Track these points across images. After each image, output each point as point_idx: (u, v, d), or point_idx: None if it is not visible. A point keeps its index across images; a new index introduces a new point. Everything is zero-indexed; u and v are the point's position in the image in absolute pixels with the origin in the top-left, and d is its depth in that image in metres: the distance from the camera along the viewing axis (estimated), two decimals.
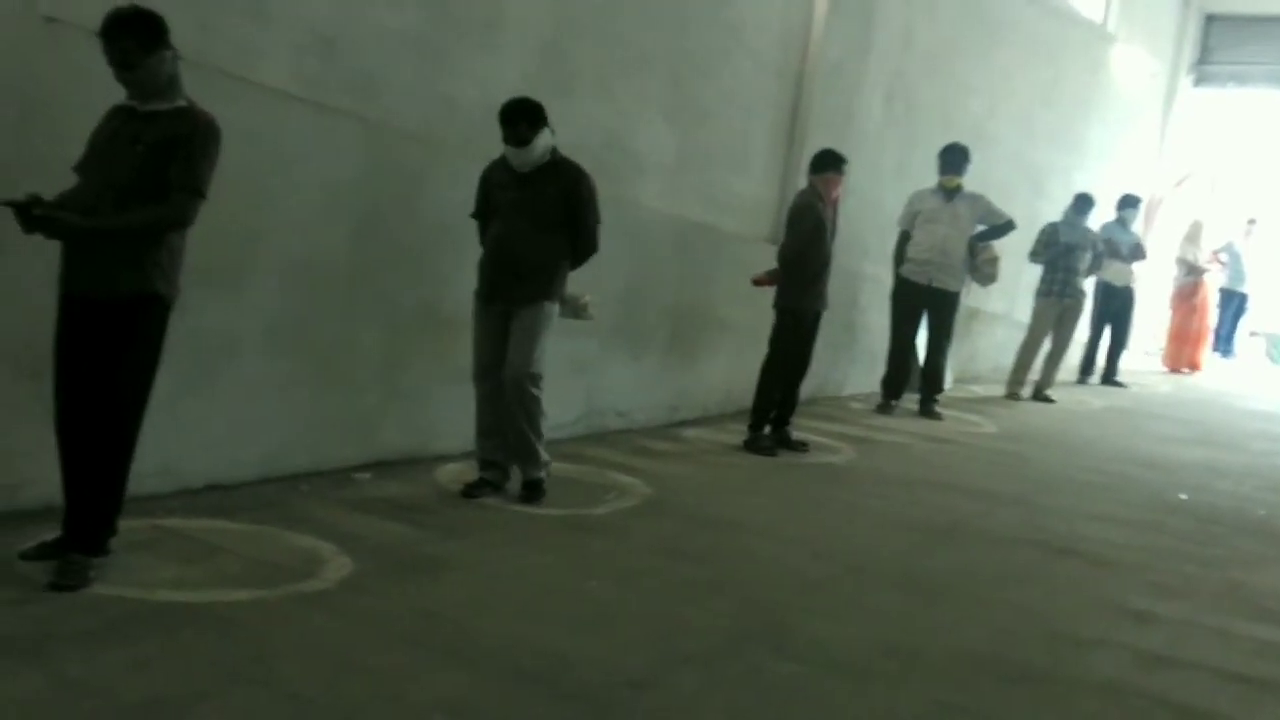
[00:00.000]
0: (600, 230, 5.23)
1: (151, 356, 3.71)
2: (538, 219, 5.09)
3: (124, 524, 3.81)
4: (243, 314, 4.85)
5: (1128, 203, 11.87)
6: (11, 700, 2.87)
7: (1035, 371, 10.79)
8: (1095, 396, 11.47)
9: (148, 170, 3.61)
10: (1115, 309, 11.98)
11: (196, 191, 3.67)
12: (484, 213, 5.25)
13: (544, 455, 5.26)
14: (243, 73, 4.74)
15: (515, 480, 5.32)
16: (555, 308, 5.19)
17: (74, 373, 3.65)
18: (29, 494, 3.90)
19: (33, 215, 3.46)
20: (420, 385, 5.66)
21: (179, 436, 4.62)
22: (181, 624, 3.46)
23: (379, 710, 3.06)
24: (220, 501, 4.67)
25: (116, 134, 3.68)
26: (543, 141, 5.03)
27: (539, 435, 5.21)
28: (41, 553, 3.69)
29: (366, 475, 5.33)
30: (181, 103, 3.71)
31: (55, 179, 3.63)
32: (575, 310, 5.32)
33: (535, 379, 5.12)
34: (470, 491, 5.21)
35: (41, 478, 3.71)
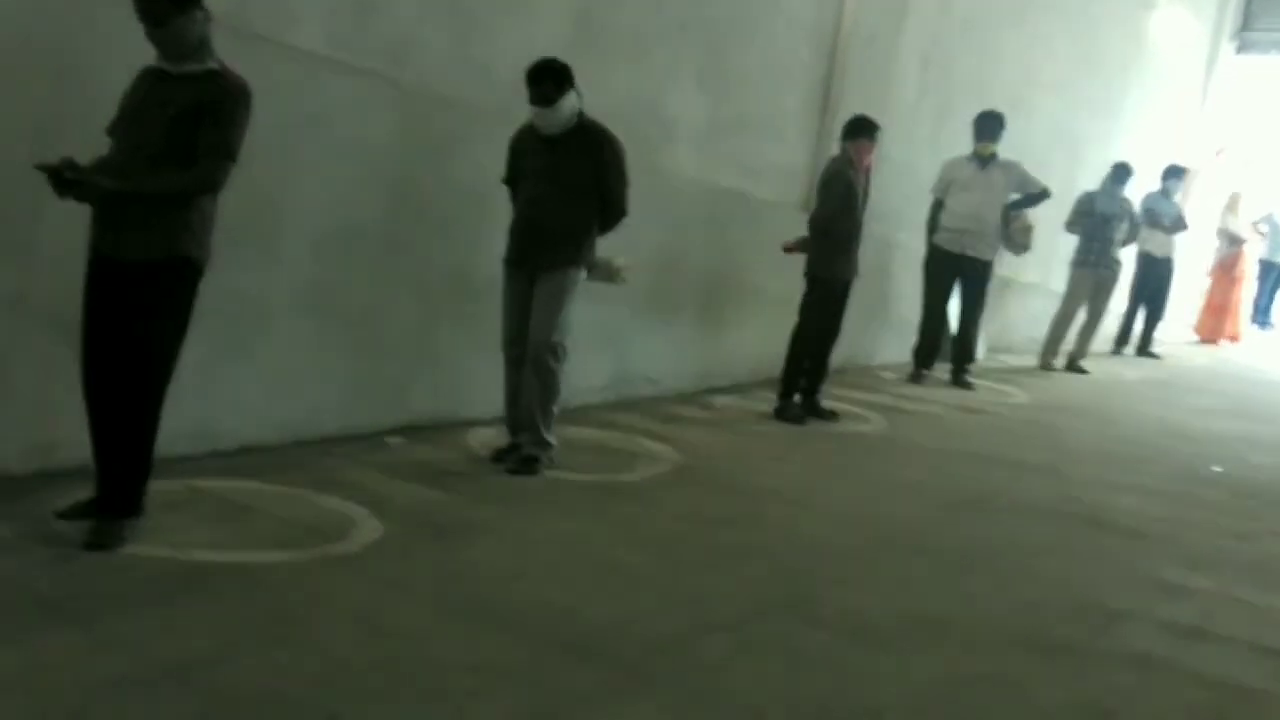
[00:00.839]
0: (629, 194, 5.17)
1: (181, 319, 3.72)
2: (565, 184, 5.04)
3: (158, 485, 3.84)
4: (276, 278, 4.87)
5: (1172, 173, 11.70)
6: (49, 657, 2.92)
7: (1070, 342, 10.70)
8: (1130, 368, 11.38)
9: (178, 134, 3.60)
10: (1154, 280, 11.85)
11: (227, 155, 3.66)
12: (514, 179, 5.22)
13: (549, 437, 5.19)
14: (277, 36, 4.74)
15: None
16: (581, 274, 5.15)
17: (102, 334, 3.66)
18: (65, 454, 3.94)
19: (65, 179, 3.46)
20: (452, 350, 5.68)
21: (213, 399, 4.66)
22: (214, 584, 3.50)
23: (408, 671, 3.08)
24: (253, 463, 4.70)
25: (147, 97, 3.67)
26: (569, 104, 4.98)
27: (549, 414, 5.16)
28: (77, 512, 3.73)
29: (398, 439, 5.36)
30: (213, 65, 3.69)
31: (89, 143, 3.64)
32: (608, 274, 5.26)
33: (557, 350, 5.08)
34: (500, 457, 5.21)
35: (77, 438, 3.74)
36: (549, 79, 4.93)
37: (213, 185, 3.69)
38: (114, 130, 3.71)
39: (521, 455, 5.16)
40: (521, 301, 5.12)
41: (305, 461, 4.85)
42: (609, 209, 5.16)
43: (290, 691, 2.89)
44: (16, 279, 3.65)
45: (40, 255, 3.99)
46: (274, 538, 3.95)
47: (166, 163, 3.61)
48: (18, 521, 3.68)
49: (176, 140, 3.60)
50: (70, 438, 3.77)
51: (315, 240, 5.00)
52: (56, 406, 3.97)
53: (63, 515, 3.74)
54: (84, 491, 3.76)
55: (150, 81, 3.70)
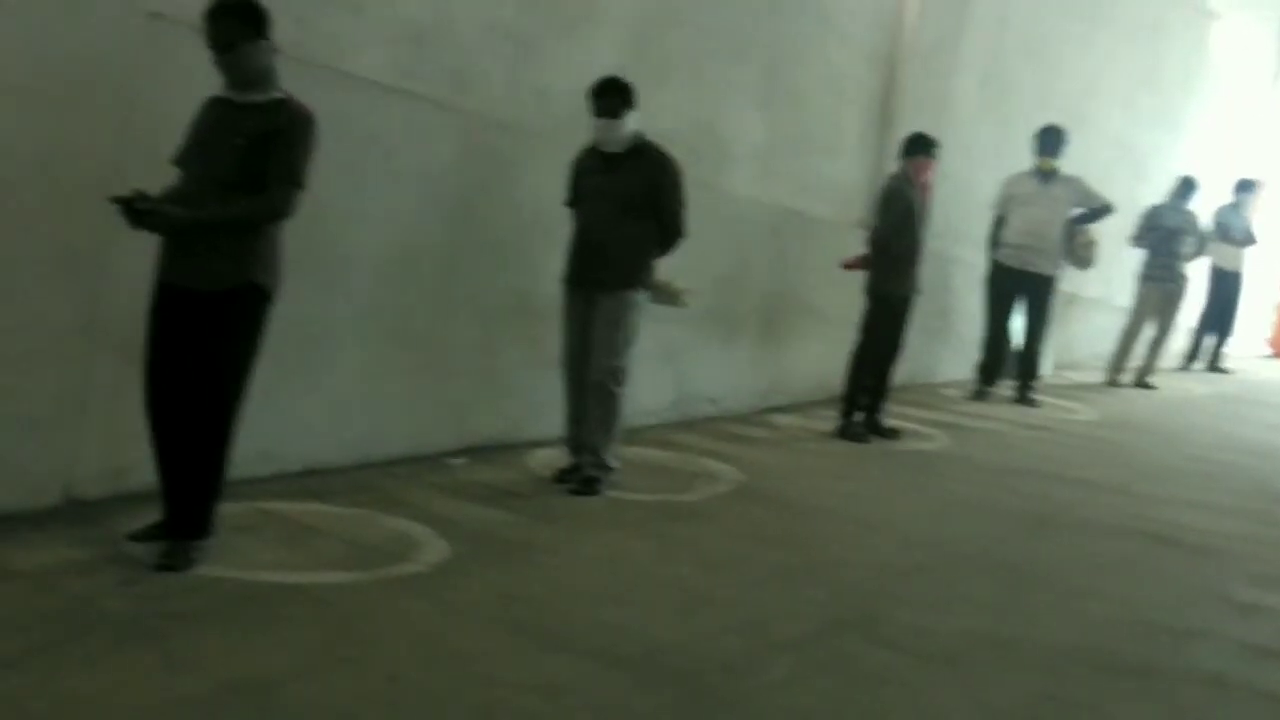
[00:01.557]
0: (685, 215, 5.18)
1: (251, 346, 3.77)
2: (623, 204, 5.06)
3: (226, 507, 3.90)
4: (339, 302, 4.94)
5: (1244, 186, 11.50)
6: (123, 677, 2.96)
7: (1137, 358, 10.53)
8: (1200, 383, 11.17)
9: (248, 163, 3.66)
10: (1223, 294, 11.63)
11: (295, 184, 3.72)
12: (575, 200, 5.26)
13: (612, 460, 5.20)
14: (339, 65, 4.82)
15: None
16: (641, 296, 5.16)
17: (168, 362, 3.70)
18: (137, 477, 4.01)
19: (138, 210, 3.53)
20: (513, 372, 5.72)
21: (278, 421, 4.73)
22: (281, 605, 3.54)
23: (472, 692, 3.10)
24: (318, 485, 4.76)
25: (215, 127, 3.74)
26: (631, 122, 5.03)
27: (611, 437, 5.18)
28: (149, 534, 3.78)
29: (460, 460, 5.40)
30: (277, 94, 3.76)
31: (160, 173, 3.72)
32: (669, 297, 5.28)
33: (619, 375, 5.11)
34: (563, 477, 5.23)
35: (149, 462, 3.81)
36: (615, 93, 4.99)
37: (283, 213, 3.75)
38: (182, 160, 3.78)
39: (583, 476, 5.17)
40: (580, 321, 5.15)
41: (369, 483, 4.90)
42: (666, 230, 5.17)
43: (357, 712, 2.91)
44: (89, 306, 3.73)
45: (111, 282, 4.07)
46: (339, 559, 4.00)
47: (236, 192, 3.67)
48: (91, 545, 3.76)
49: (247, 170, 3.67)
50: (142, 462, 3.83)
51: (378, 265, 5.07)
52: (129, 431, 4.04)
53: (134, 537, 3.80)
54: (156, 514, 3.83)
55: (218, 111, 3.77)
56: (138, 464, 3.84)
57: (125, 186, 3.53)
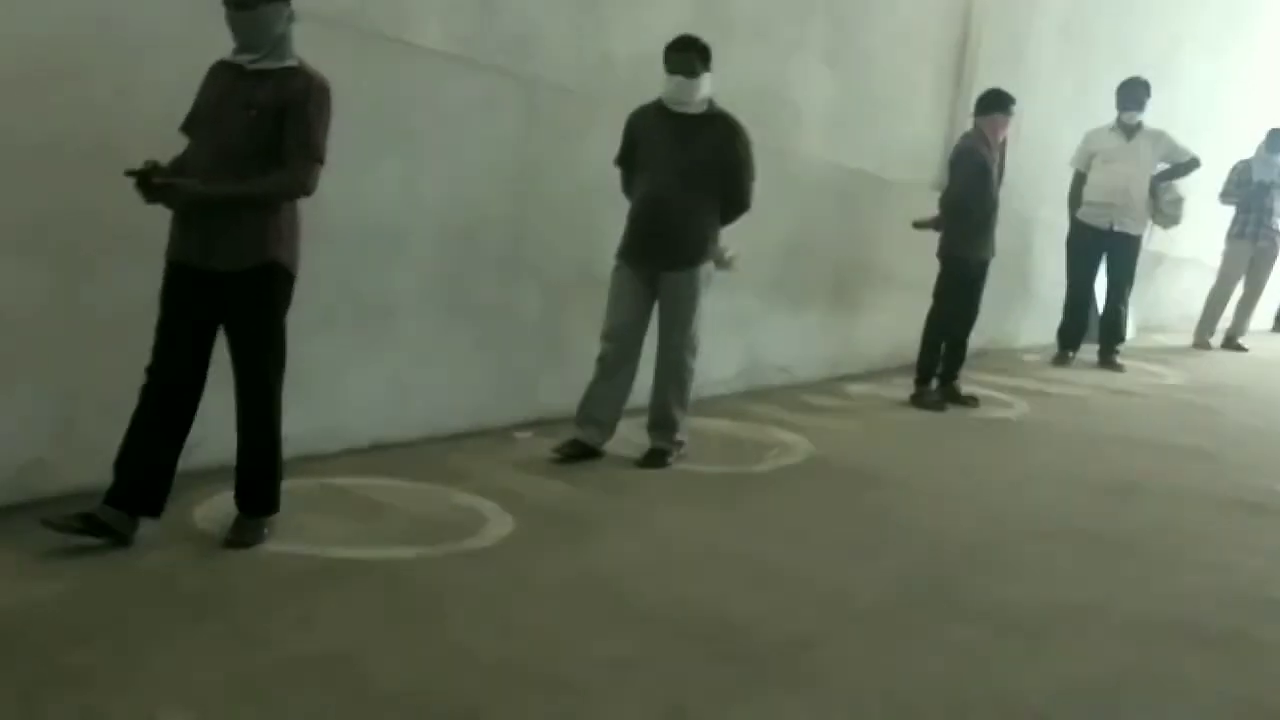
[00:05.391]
0: (754, 189, 5.02)
1: (280, 324, 3.66)
2: (691, 175, 4.88)
3: (294, 483, 3.91)
4: (403, 275, 4.91)
5: None
6: (195, 651, 2.97)
7: (1227, 319, 10.21)
8: None
9: (260, 133, 3.51)
10: None
11: (315, 158, 3.57)
12: (628, 160, 5.06)
13: (682, 433, 5.11)
14: (400, 35, 4.77)
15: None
16: (710, 269, 5.03)
17: (181, 345, 3.60)
18: (203, 454, 4.01)
19: (153, 184, 3.40)
20: (578, 344, 5.64)
21: (344, 397, 4.74)
22: (350, 580, 3.53)
23: (542, 665, 3.06)
24: (385, 460, 4.75)
25: (226, 95, 3.56)
26: (707, 83, 4.85)
27: (684, 410, 5.10)
28: (67, 524, 3.52)
29: (527, 434, 5.37)
30: (292, 62, 3.59)
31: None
32: (719, 262, 5.13)
33: (695, 348, 5.02)
34: (561, 451, 5.00)
35: (214, 437, 3.82)
36: (693, 50, 4.81)
37: (303, 189, 3.59)
38: (190, 128, 3.62)
39: (651, 448, 5.11)
40: (636, 297, 4.99)
41: (436, 457, 4.88)
42: (733, 203, 5.01)
43: (428, 686, 2.89)
44: (148, 283, 3.70)
45: (153, 263, 4.04)
46: (407, 534, 3.98)
47: (250, 163, 3.51)
48: (162, 520, 3.77)
49: (259, 140, 3.52)
50: (208, 436, 3.84)
51: (442, 236, 5.04)
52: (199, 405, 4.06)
53: (49, 523, 3.48)
54: (224, 490, 3.84)
55: (228, 77, 3.59)
56: (205, 440, 3.84)
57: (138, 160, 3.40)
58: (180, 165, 3.54)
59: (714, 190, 4.96)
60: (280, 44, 3.57)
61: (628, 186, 5.10)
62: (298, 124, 3.54)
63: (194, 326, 3.62)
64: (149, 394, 3.61)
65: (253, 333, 3.65)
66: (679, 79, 4.82)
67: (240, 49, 3.58)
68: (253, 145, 3.52)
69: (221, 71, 3.62)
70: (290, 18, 3.59)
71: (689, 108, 4.88)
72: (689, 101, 4.86)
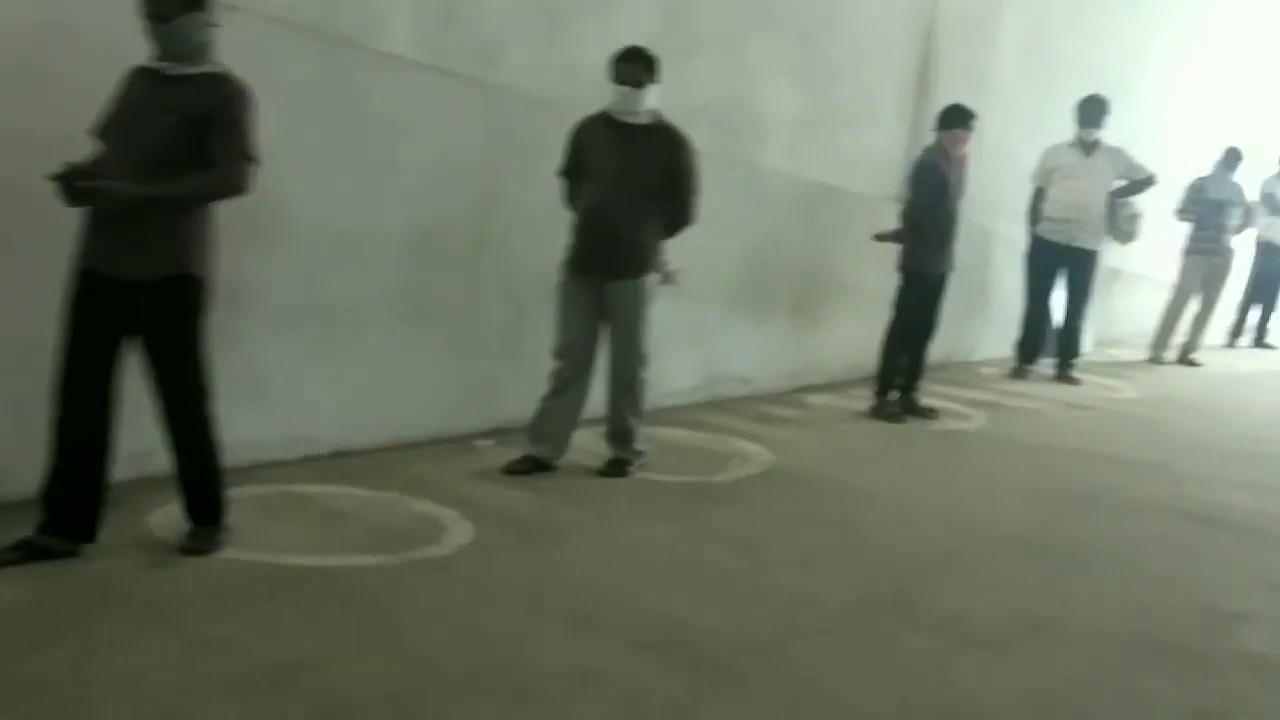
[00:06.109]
0: (698, 202, 5.01)
1: (196, 334, 3.55)
2: (636, 186, 4.86)
3: (254, 489, 3.89)
4: (365, 282, 4.89)
5: None
6: (151, 659, 2.94)
7: (1181, 334, 10.35)
8: (1245, 360, 10.96)
9: (179, 138, 3.43)
10: (1271, 269, 11.43)
11: (249, 158, 3.51)
12: (573, 171, 5.02)
13: (641, 442, 5.12)
14: (365, 40, 4.76)
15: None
16: (655, 279, 5.01)
17: (92, 357, 3.48)
18: (160, 460, 3.97)
19: (76, 187, 3.31)
20: (540, 353, 5.62)
21: (305, 404, 4.71)
22: (309, 588, 3.50)
23: (502, 675, 3.05)
24: (345, 468, 4.72)
25: (143, 99, 3.47)
26: (653, 96, 4.86)
27: (640, 419, 5.10)
28: (9, 554, 3.46)
29: (488, 442, 5.35)
30: (212, 68, 3.52)
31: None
32: (663, 277, 5.11)
33: (646, 361, 5.02)
34: (515, 468, 4.97)
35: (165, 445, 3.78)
36: (639, 61, 4.82)
37: (238, 188, 3.52)
38: (104, 133, 3.49)
39: (612, 458, 5.11)
40: (584, 309, 4.96)
41: (396, 465, 4.86)
42: (678, 214, 4.99)
43: (386, 694, 2.87)
44: None
45: None
46: (366, 542, 3.95)
47: (165, 168, 3.41)
48: (116, 527, 3.72)
49: (177, 144, 3.44)
50: (160, 444, 3.79)
51: (404, 244, 5.02)
52: (149, 414, 4.01)
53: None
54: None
55: (145, 82, 3.51)
56: (157, 448, 3.79)
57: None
58: (95, 169, 3.40)
59: (659, 201, 4.94)
60: (201, 51, 3.51)
61: (571, 198, 5.05)
62: (226, 126, 3.47)
63: (104, 339, 3.50)
64: (63, 422, 3.49)
65: (169, 345, 3.53)
66: (625, 89, 4.83)
67: (158, 57, 3.50)
68: (171, 150, 3.43)
69: (139, 76, 3.54)
70: (209, 24, 3.51)
71: (635, 118, 4.88)
72: (634, 112, 4.86)
